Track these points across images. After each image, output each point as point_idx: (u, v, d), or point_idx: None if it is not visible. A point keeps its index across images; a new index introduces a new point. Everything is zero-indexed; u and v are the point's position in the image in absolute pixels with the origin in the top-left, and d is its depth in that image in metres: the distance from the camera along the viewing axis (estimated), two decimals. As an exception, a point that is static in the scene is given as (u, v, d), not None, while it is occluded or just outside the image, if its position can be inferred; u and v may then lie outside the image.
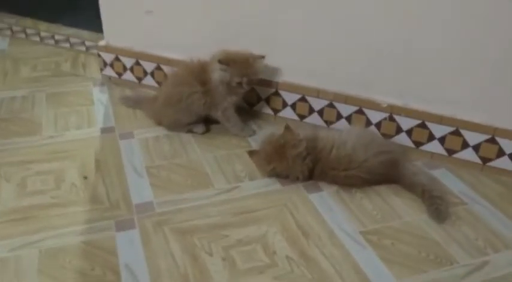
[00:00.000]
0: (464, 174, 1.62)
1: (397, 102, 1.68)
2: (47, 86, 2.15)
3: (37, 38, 2.65)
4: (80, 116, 1.91)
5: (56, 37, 2.62)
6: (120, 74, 2.16)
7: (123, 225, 1.36)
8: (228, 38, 1.83)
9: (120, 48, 2.10)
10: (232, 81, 1.67)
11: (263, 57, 1.70)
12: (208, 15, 1.86)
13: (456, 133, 1.62)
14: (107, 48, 2.13)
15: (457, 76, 1.56)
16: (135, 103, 1.97)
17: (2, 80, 2.22)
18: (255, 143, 1.76)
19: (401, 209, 1.45)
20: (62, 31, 2.59)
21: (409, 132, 1.69)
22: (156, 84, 2.10)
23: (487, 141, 1.58)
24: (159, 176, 1.57)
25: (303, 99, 1.82)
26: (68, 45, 2.57)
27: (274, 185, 1.55)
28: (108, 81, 2.20)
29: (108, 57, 2.14)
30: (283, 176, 1.56)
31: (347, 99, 1.75)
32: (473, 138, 1.60)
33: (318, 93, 1.78)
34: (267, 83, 1.86)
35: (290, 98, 1.85)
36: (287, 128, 1.55)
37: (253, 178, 1.58)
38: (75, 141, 1.75)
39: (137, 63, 2.09)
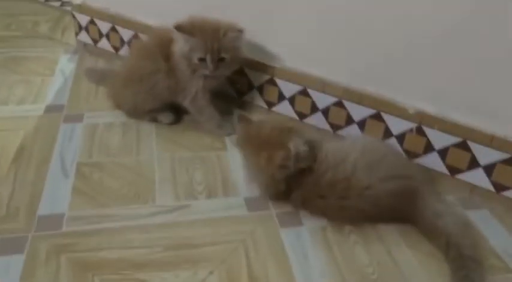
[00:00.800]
0: (516, 222, 1.13)
1: (430, 109, 1.19)
2: (11, 47, 1.80)
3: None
4: (30, 88, 1.55)
5: (50, -5, 2.29)
6: (96, 41, 1.78)
7: (7, 246, 0.97)
8: (217, 4, 1.38)
9: (96, 9, 1.71)
10: (192, 56, 1.23)
11: (241, 31, 1.24)
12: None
13: (511, 162, 1.11)
14: (82, 9, 1.74)
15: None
16: (100, 78, 1.58)
17: (-34, 36, 1.89)
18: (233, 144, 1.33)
19: (410, 268, 0.98)
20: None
21: (442, 153, 1.20)
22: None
23: (556, 180, 1.07)
24: (89, 178, 1.18)
25: (304, 93, 1.36)
26: (58, 4, 2.21)
27: (238, 208, 1.12)
28: (82, 48, 1.82)
29: (84, 20, 1.76)
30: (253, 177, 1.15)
31: (361, 98, 1.27)
32: (536, 172, 1.10)
33: (324, 87, 1.32)
34: (261, 67, 1.41)
35: (288, 89, 1.39)
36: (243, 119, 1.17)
37: (213, 195, 1.15)
38: (7, 120, 1.38)
39: (113, 29, 1.69)
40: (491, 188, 1.17)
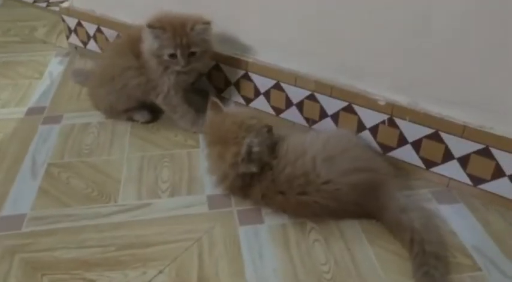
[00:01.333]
0: (492, 217, 1.06)
1: (401, 100, 1.13)
2: (5, 53, 1.84)
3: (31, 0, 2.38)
4: (16, 91, 1.58)
5: (51, -1, 2.34)
6: (85, 43, 1.79)
7: (-34, 247, 0.99)
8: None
9: (82, 11, 1.73)
10: (162, 53, 1.22)
11: (208, 23, 1.22)
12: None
13: (485, 153, 1.05)
14: (69, 11, 1.76)
15: (493, 68, 0.98)
16: (84, 78, 1.59)
17: (-35, 44, 1.95)
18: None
19: (368, 266, 0.94)
20: (56, -8, 2.28)
21: (416, 145, 1.14)
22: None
23: (533, 170, 1.00)
24: (57, 178, 1.19)
25: (277, 87, 1.33)
26: (58, 8, 2.25)
27: (199, 206, 1.10)
28: (73, 51, 1.85)
29: (73, 22, 1.78)
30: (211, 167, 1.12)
31: (332, 91, 1.22)
32: (511, 163, 1.02)
33: (296, 80, 1.28)
34: (235, 62, 1.39)
35: (263, 83, 1.36)
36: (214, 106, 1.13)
37: (177, 193, 1.14)
38: (-11, 122, 1.42)
39: (99, 31, 1.70)
40: (468, 181, 1.10)
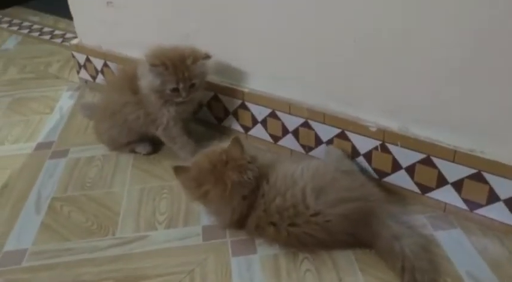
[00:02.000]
0: (489, 242, 1.04)
1: (391, 125, 1.13)
2: (20, 89, 1.92)
3: (48, 36, 2.48)
4: (28, 126, 1.64)
5: (67, 35, 2.44)
6: (94, 77, 1.86)
7: (-31, 283, 1.04)
8: (188, 32, 1.42)
9: (90, 47, 1.80)
10: (164, 88, 1.26)
11: (208, 56, 1.26)
12: (177, 3, 1.47)
13: (478, 178, 1.03)
14: (79, 48, 1.84)
15: (482, 89, 0.98)
16: (91, 112, 1.64)
17: (-18, 82, 2.05)
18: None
19: (358, 297, 0.93)
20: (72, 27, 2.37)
21: (410, 170, 1.14)
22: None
23: (527, 194, 0.98)
24: (59, 212, 1.23)
25: (273, 115, 1.34)
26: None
27: (194, 238, 1.12)
28: (84, 85, 1.91)
29: (82, 58, 1.85)
30: (216, 211, 1.12)
31: (325, 118, 1.23)
32: (505, 187, 1.00)
33: (290, 108, 1.29)
34: (232, 92, 1.41)
35: (259, 112, 1.38)
36: (236, 141, 1.08)
37: (173, 225, 1.16)
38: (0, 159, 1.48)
39: (106, 65, 1.77)
40: (464, 206, 1.09)
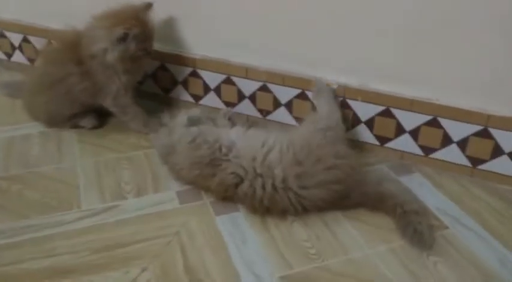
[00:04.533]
0: (446, 181, 1.14)
1: (352, 82, 1.20)
2: None
3: None
4: None
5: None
6: (9, 55, 1.68)
7: None
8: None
9: (4, 20, 1.62)
10: (137, 51, 1.20)
11: (150, 4, 1.23)
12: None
13: (434, 124, 1.13)
14: (-11, 22, 1.65)
15: (436, 43, 1.07)
16: (16, 90, 1.49)
17: None
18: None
19: (350, 238, 0.97)
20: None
21: (369, 123, 1.21)
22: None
23: (477, 134, 1.10)
24: (8, 191, 1.10)
25: (228, 81, 1.34)
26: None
27: (169, 203, 1.07)
28: (-4, 64, 1.72)
29: (-8, 34, 1.66)
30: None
31: (284, 80, 1.26)
32: (458, 130, 1.12)
33: (247, 72, 1.30)
34: (182, 60, 1.38)
35: (212, 79, 1.36)
36: None
37: (142, 193, 1.10)
38: None
39: (25, 40, 1.60)
40: (420, 152, 1.19)
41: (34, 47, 1.60)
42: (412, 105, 1.13)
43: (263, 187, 1.00)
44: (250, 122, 1.34)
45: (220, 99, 1.38)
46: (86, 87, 1.25)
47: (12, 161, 1.20)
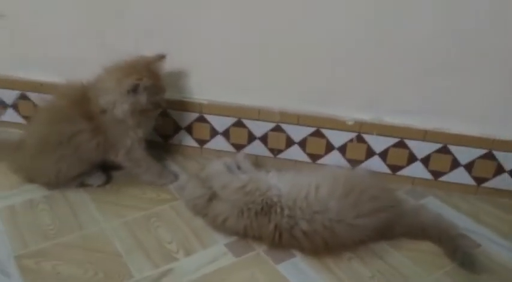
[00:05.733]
0: (456, 201, 1.27)
1: (367, 117, 1.27)
2: None
3: None
4: None
5: None
6: (-35, 110, 1.49)
7: None
8: (125, 45, 1.28)
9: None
10: (149, 104, 1.14)
11: (163, 56, 1.18)
12: (92, 14, 1.30)
13: (444, 150, 1.25)
14: None
15: (442, 77, 1.19)
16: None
17: None
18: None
19: (406, 267, 1.04)
20: None
21: (383, 155, 1.30)
22: (22, 121, 1.47)
23: (482, 157, 1.24)
24: (40, 271, 0.98)
25: (239, 124, 1.34)
26: None
27: (224, 257, 1.04)
28: None
29: None
30: None
31: (299, 119, 1.30)
32: (466, 155, 1.25)
33: (259, 114, 1.31)
34: (187, 106, 1.35)
35: (221, 123, 1.35)
36: None
37: (191, 251, 1.06)
38: None
39: (-4, 93, 1.44)
40: (430, 177, 1.30)
41: (1, 100, 1.44)
42: (425, 135, 1.24)
43: (322, 223, 1.03)
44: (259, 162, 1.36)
45: (229, 141, 1.37)
46: (98, 143, 1.17)
47: (26, 234, 1.07)
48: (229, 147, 1.38)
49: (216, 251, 1.06)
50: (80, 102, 1.15)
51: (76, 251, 1.04)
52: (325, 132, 1.30)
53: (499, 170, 1.24)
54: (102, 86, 1.14)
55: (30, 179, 1.23)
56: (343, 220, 1.03)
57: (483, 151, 1.23)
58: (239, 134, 1.35)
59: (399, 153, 1.28)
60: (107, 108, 1.14)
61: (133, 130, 1.18)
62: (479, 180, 1.27)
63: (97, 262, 1.01)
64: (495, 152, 1.22)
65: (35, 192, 1.21)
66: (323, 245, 1.03)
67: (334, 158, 1.32)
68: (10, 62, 1.41)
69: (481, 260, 1.06)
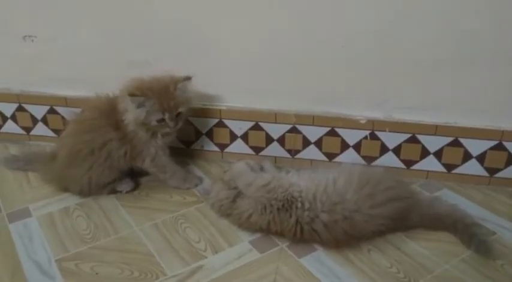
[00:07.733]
0: (470, 192, 1.31)
1: (378, 115, 1.33)
2: None
3: None
4: None
5: None
6: (-1, 126, 1.59)
7: None
8: (145, 59, 1.36)
9: (-5, 90, 1.53)
10: (150, 120, 1.20)
11: (189, 78, 1.24)
12: (113, 29, 1.38)
13: (455, 144, 1.30)
14: (-27, 93, 1.54)
15: (448, 72, 1.24)
16: (25, 163, 1.42)
17: None
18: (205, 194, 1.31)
19: (423, 257, 1.09)
20: None
21: (396, 150, 1.35)
22: (52, 134, 1.56)
23: (493, 148, 1.28)
24: (80, 272, 1.05)
25: (256, 127, 1.40)
26: None
27: (249, 253, 1.11)
28: (-17, 138, 1.61)
29: (-23, 105, 1.56)
30: None
31: (314, 120, 1.36)
32: (477, 146, 1.29)
33: (276, 117, 1.38)
34: (207, 112, 1.42)
35: (239, 127, 1.42)
36: None
37: (219, 249, 1.12)
38: None
39: (20, 109, 1.53)
40: (443, 170, 1.35)
41: (32, 114, 1.53)
42: (436, 130, 1.29)
43: (341, 213, 1.08)
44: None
45: (248, 144, 1.44)
46: (126, 151, 1.25)
47: (64, 239, 1.15)
48: (248, 150, 1.44)
49: (242, 248, 1.12)
50: (108, 113, 1.23)
51: (111, 253, 1.11)
52: (340, 131, 1.35)
53: (510, 160, 1.29)
54: (120, 97, 1.23)
55: (64, 188, 1.31)
56: (360, 210, 1.09)
57: (493, 142, 1.27)
58: (257, 137, 1.41)
59: (412, 148, 1.33)
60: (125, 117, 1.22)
61: (154, 140, 1.25)
62: (492, 171, 1.32)
63: (132, 262, 1.08)
64: (505, 143, 1.27)
65: (69, 201, 1.29)
66: (342, 236, 1.09)
67: (349, 156, 1.38)
68: (39, 79, 1.50)
69: (496, 247, 1.11)
